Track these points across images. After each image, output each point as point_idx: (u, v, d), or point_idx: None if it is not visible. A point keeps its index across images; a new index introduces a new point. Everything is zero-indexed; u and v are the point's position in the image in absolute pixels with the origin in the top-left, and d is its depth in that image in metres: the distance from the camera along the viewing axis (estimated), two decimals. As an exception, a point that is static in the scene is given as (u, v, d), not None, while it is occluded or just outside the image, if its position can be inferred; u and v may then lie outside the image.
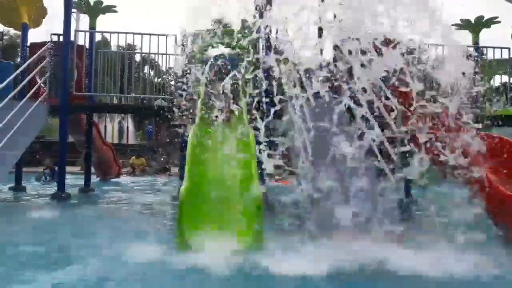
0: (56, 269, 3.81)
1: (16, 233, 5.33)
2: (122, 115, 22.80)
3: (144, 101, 10.34)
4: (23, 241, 4.89)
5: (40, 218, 6.50)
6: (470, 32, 11.05)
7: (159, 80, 10.82)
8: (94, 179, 11.79)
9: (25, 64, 8.35)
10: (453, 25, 11.50)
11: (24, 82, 8.07)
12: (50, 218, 6.63)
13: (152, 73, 11.01)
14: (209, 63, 8.14)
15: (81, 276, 3.61)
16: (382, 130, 6.26)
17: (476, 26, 11.02)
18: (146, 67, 11.46)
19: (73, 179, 10.82)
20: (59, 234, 5.35)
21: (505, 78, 11.43)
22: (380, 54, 4.94)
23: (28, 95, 7.95)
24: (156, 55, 9.79)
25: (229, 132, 5.72)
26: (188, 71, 8.09)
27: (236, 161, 5.27)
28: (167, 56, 9.74)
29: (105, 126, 21.66)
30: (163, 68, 10.06)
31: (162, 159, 15.92)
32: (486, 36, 11.06)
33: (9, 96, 7.55)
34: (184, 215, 4.37)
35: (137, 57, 11.90)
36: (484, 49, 11.37)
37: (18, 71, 8.22)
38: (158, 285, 3.56)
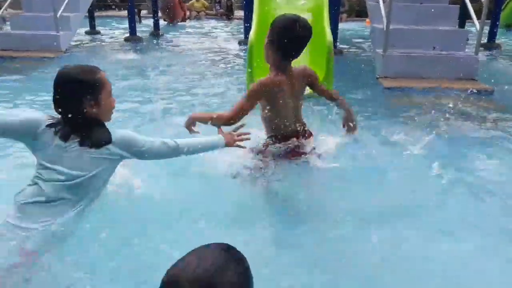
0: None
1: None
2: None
3: None
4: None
5: (124, 58, 7.03)
6: None
7: None
8: (162, 23, 11.92)
9: None
10: None
11: None
12: (134, 57, 7.16)
13: None
14: None
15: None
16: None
17: None
18: None
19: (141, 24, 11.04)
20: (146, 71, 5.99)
21: None
22: None
23: None
24: None
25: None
26: None
27: (307, 3, 5.03)
28: None
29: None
30: None
31: (226, 1, 15.43)
32: None
33: None
34: (254, 60, 4.43)
35: None
36: None
37: None
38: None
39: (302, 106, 2.64)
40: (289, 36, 2.36)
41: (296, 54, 2.45)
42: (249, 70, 4.40)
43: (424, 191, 2.60)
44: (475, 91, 4.89)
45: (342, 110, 2.74)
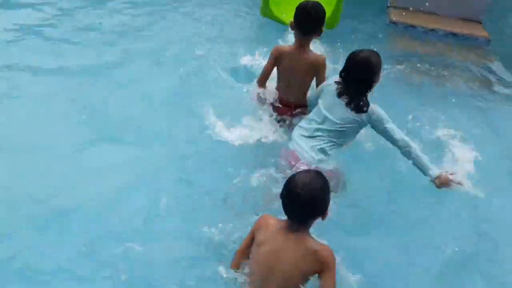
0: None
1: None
2: None
3: None
4: None
5: None
6: None
7: None
8: None
9: None
10: None
11: None
12: None
13: None
14: None
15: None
16: None
17: None
18: None
19: None
20: None
21: None
22: None
23: None
24: None
25: None
26: None
27: None
28: None
29: None
30: None
31: None
32: None
33: None
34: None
35: None
36: None
37: None
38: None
39: (305, 90, 3.08)
40: (299, 11, 2.90)
41: (306, 30, 2.92)
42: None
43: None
44: (474, 37, 5.24)
45: None
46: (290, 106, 3.14)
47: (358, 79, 2.61)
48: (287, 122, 3.17)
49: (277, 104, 3.16)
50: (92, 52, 4.00)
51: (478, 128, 3.59)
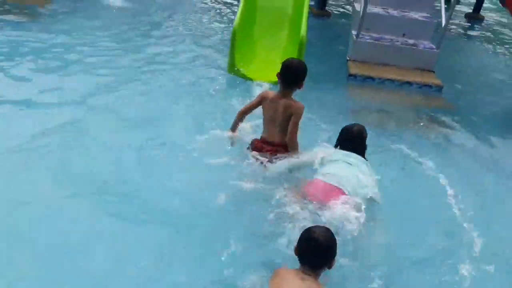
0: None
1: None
2: None
3: None
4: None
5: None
6: None
7: None
8: None
9: None
10: None
11: None
12: None
13: None
14: None
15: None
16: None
17: None
18: None
19: None
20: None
21: None
22: None
23: None
24: None
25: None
26: None
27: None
28: None
29: None
30: None
31: None
32: None
33: None
34: (236, 45, 5.06)
35: None
36: None
37: None
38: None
39: (286, 133, 3.28)
40: (284, 67, 3.28)
41: (286, 82, 3.26)
42: (231, 53, 5.05)
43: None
44: (428, 85, 5.68)
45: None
46: (272, 145, 3.35)
47: (357, 147, 3.15)
48: (264, 161, 3.29)
49: (258, 141, 3.40)
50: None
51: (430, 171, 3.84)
